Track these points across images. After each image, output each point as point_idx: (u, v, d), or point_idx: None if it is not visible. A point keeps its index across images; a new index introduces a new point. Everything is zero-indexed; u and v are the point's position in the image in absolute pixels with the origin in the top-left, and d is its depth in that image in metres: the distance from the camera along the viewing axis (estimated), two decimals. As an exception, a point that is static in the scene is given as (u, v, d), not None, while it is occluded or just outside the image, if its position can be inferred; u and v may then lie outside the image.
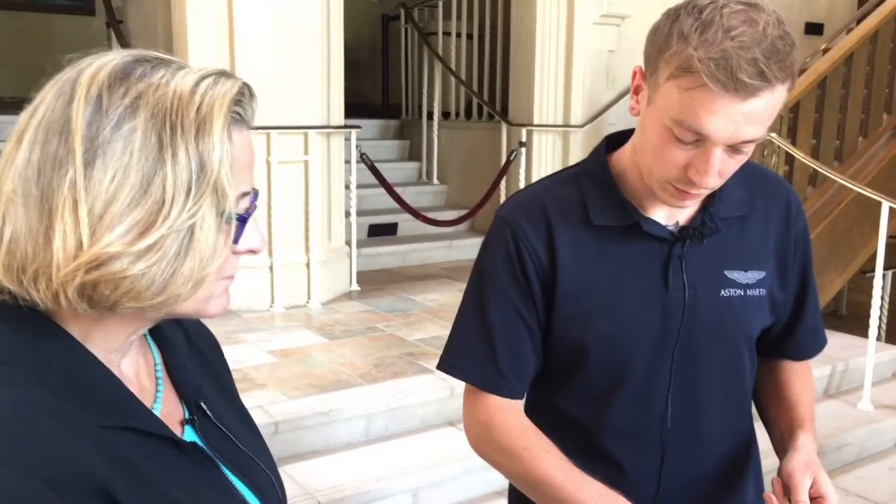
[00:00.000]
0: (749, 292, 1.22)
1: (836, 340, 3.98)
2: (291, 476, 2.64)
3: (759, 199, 1.25)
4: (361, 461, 2.81)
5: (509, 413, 1.22)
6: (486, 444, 1.23)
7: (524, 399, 1.28)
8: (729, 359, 1.24)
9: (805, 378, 1.33)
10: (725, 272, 1.21)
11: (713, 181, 1.07)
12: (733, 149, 1.05)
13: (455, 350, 1.26)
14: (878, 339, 4.14)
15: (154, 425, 0.75)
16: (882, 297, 4.77)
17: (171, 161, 0.67)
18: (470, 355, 1.23)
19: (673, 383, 1.20)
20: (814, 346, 1.34)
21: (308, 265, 4.28)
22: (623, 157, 1.22)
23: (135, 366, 0.80)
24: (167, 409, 0.81)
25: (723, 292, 1.20)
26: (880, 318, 4.16)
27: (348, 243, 4.69)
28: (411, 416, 3.07)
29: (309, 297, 4.30)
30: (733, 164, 1.08)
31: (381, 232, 5.71)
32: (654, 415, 1.21)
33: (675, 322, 1.19)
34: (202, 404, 0.85)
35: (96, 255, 0.66)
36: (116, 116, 0.67)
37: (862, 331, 3.75)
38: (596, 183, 1.22)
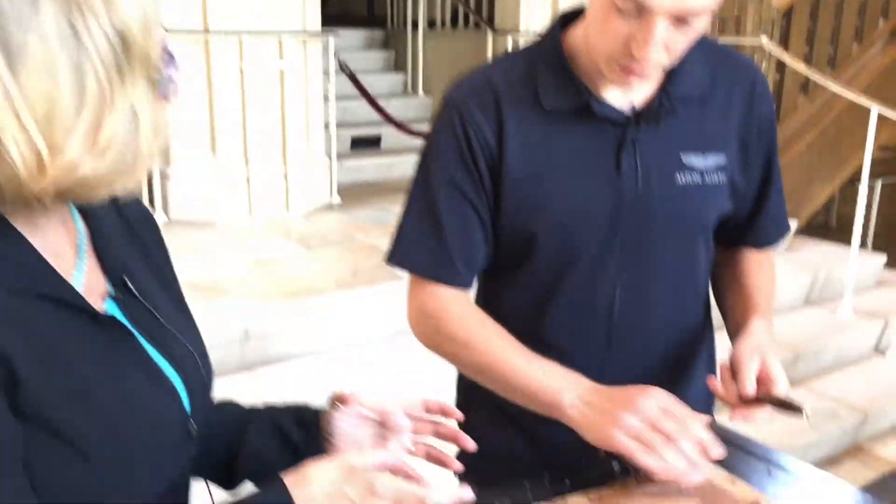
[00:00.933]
0: (707, 179, 1.16)
1: (822, 249, 3.95)
2: (263, 382, 2.63)
3: (721, 80, 1.18)
4: (336, 366, 2.81)
5: (461, 303, 1.19)
6: (438, 335, 1.20)
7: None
8: (682, 248, 1.19)
9: (765, 267, 1.29)
10: (682, 156, 1.15)
11: (655, 54, 1.01)
12: (680, 21, 0.99)
13: (403, 241, 1.21)
14: (864, 247, 4.11)
15: (66, 293, 0.74)
16: (870, 206, 4.71)
17: (92, 43, 0.66)
18: (418, 246, 1.19)
19: (622, 271, 1.16)
20: (776, 234, 1.30)
21: (286, 177, 4.21)
22: (577, 35, 1.16)
23: (52, 232, 0.78)
24: (89, 281, 0.80)
25: (679, 179, 1.15)
26: (866, 226, 4.11)
27: (329, 155, 4.61)
28: (386, 323, 3.06)
29: (288, 209, 4.24)
30: (682, 39, 1.02)
31: (365, 144, 5.61)
32: (601, 303, 1.17)
33: (627, 208, 1.13)
34: (126, 280, 0.83)
35: (64, 166, 0.66)
36: (19, 13, 0.64)
37: (850, 242, 3.72)
38: (548, 62, 1.15)
